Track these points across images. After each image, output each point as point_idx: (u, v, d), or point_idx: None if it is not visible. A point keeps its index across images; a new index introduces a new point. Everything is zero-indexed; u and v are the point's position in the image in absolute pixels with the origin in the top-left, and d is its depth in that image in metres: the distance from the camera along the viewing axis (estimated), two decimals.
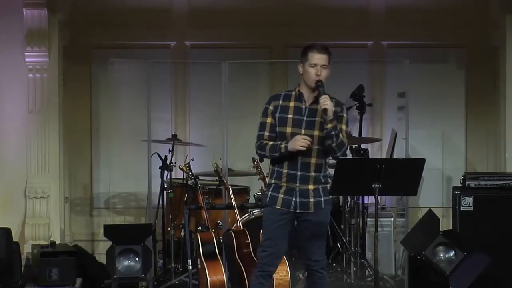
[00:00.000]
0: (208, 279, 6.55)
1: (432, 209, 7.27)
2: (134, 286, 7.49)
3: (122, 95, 8.80)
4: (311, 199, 5.76)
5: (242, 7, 8.78)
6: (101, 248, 8.42)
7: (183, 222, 7.62)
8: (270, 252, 5.78)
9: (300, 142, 5.64)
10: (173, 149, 7.94)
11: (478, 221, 7.26)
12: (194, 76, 8.92)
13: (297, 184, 5.75)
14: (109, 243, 7.45)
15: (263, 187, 7.20)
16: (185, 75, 8.95)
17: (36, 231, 8.04)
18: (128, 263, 7.38)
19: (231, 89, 7.65)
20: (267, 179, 5.92)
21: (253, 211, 7.59)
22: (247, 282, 6.54)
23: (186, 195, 7.74)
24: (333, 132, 5.65)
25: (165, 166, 7.88)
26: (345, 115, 5.81)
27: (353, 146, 8.19)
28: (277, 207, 5.76)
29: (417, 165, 6.78)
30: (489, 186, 7.44)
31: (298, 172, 5.75)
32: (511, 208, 7.29)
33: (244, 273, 6.58)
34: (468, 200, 7.29)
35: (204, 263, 6.68)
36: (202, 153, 8.33)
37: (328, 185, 5.84)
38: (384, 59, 8.85)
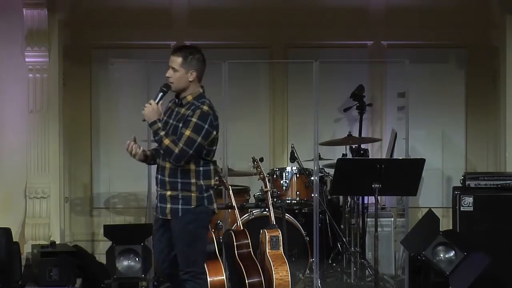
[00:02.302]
0: (208, 279, 6.54)
1: (432, 209, 7.27)
2: (134, 286, 7.49)
3: (122, 95, 8.79)
4: (168, 205, 5.70)
5: (242, 7, 8.78)
6: (101, 248, 8.42)
7: None
8: (160, 260, 5.86)
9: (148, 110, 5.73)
10: None
11: (478, 221, 7.26)
12: None
13: (158, 188, 5.76)
14: (109, 243, 7.45)
15: (263, 187, 7.21)
16: None
17: (36, 231, 8.04)
18: (128, 263, 7.37)
19: (231, 89, 7.64)
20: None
21: (253, 211, 7.60)
22: (247, 282, 6.54)
23: None
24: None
25: None
26: (193, 119, 5.59)
27: (353, 146, 8.20)
28: (154, 213, 5.86)
29: (417, 165, 6.81)
30: (489, 186, 7.44)
31: (158, 176, 5.75)
32: (511, 208, 7.29)
33: (244, 273, 6.58)
34: (468, 200, 7.29)
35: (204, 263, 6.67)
36: None
37: (192, 194, 5.69)
38: (384, 59, 8.85)
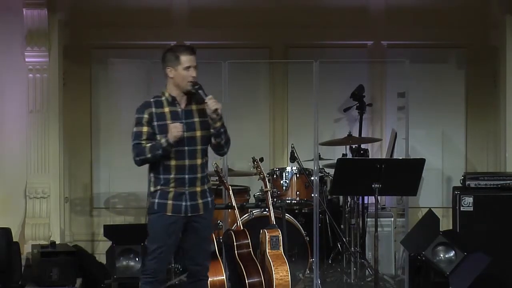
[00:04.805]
0: (208, 279, 6.55)
1: (432, 209, 7.27)
2: (134, 286, 7.49)
3: (122, 95, 8.78)
4: (200, 201, 5.74)
5: (242, 7, 8.78)
6: (101, 248, 8.42)
7: None
8: (162, 260, 5.79)
9: (175, 130, 5.62)
10: None
11: (478, 221, 7.27)
12: None
13: (186, 188, 5.71)
14: (109, 243, 7.45)
15: (263, 187, 7.21)
16: None
17: (36, 231, 8.04)
18: (128, 263, 7.38)
19: (231, 89, 7.64)
20: (151, 186, 5.82)
21: (253, 211, 7.60)
22: (247, 282, 6.55)
23: None
24: (222, 130, 5.70)
25: None
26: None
27: (353, 146, 8.20)
28: (167, 213, 5.71)
29: (417, 165, 6.81)
30: (489, 186, 7.44)
31: (186, 176, 5.71)
32: (511, 208, 7.29)
33: (244, 273, 6.59)
34: (468, 200, 7.29)
35: None
36: None
37: (210, 184, 5.86)
38: (384, 59, 8.85)
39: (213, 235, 6.84)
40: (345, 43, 8.89)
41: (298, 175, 7.97)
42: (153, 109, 5.68)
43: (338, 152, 8.40)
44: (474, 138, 8.95)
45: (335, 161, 6.97)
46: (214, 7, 8.81)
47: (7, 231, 7.59)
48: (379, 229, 7.01)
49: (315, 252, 7.47)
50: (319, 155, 7.81)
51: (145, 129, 5.67)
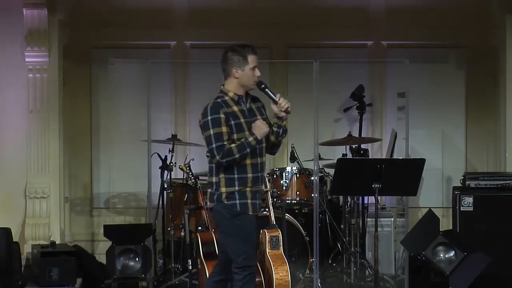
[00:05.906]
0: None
1: (432, 209, 7.27)
2: (134, 286, 7.50)
3: (122, 95, 8.80)
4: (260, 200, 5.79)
5: (242, 7, 8.79)
6: (101, 248, 8.42)
7: (183, 222, 7.62)
8: (256, 259, 5.79)
9: (264, 126, 5.63)
10: (173, 149, 7.95)
11: (478, 221, 7.26)
12: (194, 76, 8.92)
13: (259, 186, 5.73)
14: (109, 243, 7.45)
15: (263, 187, 7.19)
16: (185, 75, 8.95)
17: (36, 231, 8.04)
18: (128, 263, 7.38)
19: None
20: (223, 187, 5.73)
21: None
22: None
23: (186, 195, 7.74)
24: (285, 128, 5.75)
25: (165, 166, 7.89)
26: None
27: (353, 146, 8.20)
28: (249, 213, 5.66)
29: (417, 165, 6.81)
30: (489, 186, 7.44)
31: (259, 174, 5.71)
32: (511, 208, 7.29)
33: None
34: (468, 200, 7.29)
35: (204, 263, 6.68)
36: (202, 153, 8.29)
37: None
38: (384, 59, 8.85)
39: (213, 235, 6.85)
40: (345, 43, 8.90)
41: (298, 175, 7.97)
42: (226, 109, 5.63)
43: (338, 152, 8.40)
44: (474, 138, 8.96)
45: (335, 161, 6.97)
46: (214, 7, 8.81)
47: (7, 231, 7.59)
48: (379, 229, 7.01)
49: (315, 252, 7.46)
50: (319, 155, 7.80)
51: (224, 129, 5.58)
